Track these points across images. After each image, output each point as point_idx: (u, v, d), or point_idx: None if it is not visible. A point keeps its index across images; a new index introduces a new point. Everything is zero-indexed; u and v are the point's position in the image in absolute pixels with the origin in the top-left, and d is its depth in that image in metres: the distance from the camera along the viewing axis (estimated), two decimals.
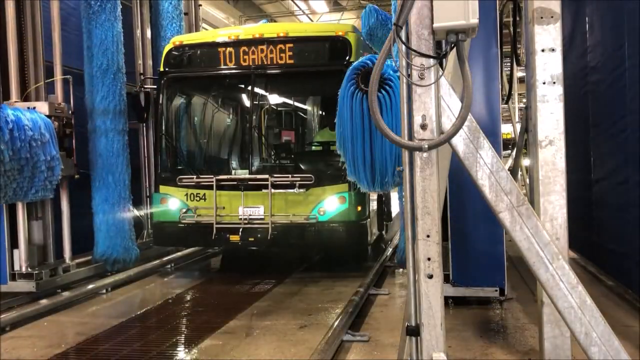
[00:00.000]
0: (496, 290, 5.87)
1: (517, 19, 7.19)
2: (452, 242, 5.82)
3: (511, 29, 7.13)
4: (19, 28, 7.06)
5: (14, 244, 6.84)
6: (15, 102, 6.89)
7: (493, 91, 5.87)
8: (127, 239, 8.29)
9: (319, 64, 7.83)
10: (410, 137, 3.42)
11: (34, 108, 6.81)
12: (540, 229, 3.33)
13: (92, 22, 8.03)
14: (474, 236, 5.82)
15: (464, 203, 5.68)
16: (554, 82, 3.70)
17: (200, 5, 11.85)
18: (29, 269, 6.82)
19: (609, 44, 6.32)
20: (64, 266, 7.31)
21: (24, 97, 7.07)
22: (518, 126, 11.66)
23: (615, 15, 6.05)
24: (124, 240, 8.23)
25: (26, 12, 7.17)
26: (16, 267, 6.82)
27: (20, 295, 6.77)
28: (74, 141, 7.53)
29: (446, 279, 5.75)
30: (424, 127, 3.34)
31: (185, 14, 10.54)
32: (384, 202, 9.37)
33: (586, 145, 7.08)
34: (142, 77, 9.44)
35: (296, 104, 10.05)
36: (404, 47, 3.33)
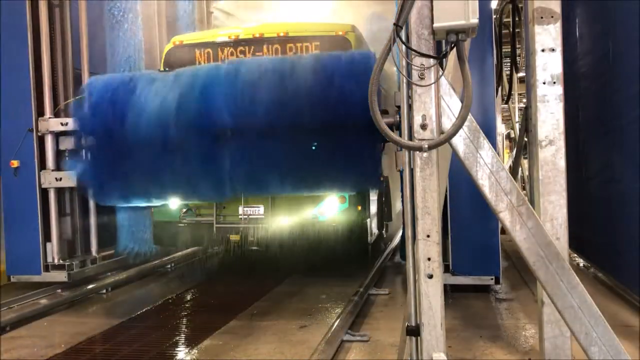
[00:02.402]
0: (492, 279, 6.34)
1: (517, 19, 7.33)
2: (451, 235, 6.24)
3: (510, 29, 7.20)
4: (51, 38, 7.50)
5: (47, 237, 7.42)
6: (50, 118, 7.33)
7: (488, 94, 6.20)
8: (147, 234, 8.49)
9: None
10: (410, 137, 3.42)
11: (67, 124, 7.22)
12: (541, 228, 3.33)
13: (115, 31, 8.45)
14: (471, 230, 6.23)
15: (462, 199, 6.01)
16: (554, 82, 3.70)
17: (212, 12, 12.22)
18: (61, 261, 7.41)
19: (596, 52, 6.70)
20: (91, 259, 7.86)
21: (55, 112, 7.50)
22: (518, 126, 11.67)
23: (602, 24, 6.44)
24: (144, 235, 8.42)
25: (56, 24, 7.61)
26: (49, 259, 7.42)
27: (53, 284, 7.36)
28: None
29: (446, 269, 6.20)
30: (424, 127, 3.34)
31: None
32: (384, 202, 9.36)
33: (576, 147, 7.38)
34: None
35: None
36: (404, 47, 3.33)
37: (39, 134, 7.35)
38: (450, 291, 6.26)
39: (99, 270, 7.96)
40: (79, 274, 7.54)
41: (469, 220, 6.21)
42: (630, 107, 5.59)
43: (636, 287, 5.72)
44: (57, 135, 7.40)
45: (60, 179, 7.34)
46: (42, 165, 7.38)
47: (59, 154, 7.46)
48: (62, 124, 7.30)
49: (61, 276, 7.34)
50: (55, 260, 7.40)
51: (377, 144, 5.67)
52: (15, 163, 7.33)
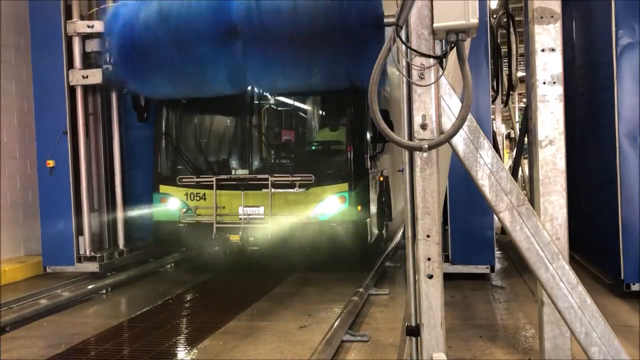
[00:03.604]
0: (487, 268, 6.98)
1: (513, 31, 7.61)
2: (451, 228, 6.88)
3: (509, 32, 7.35)
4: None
5: (79, 231, 8.11)
6: (77, 20, 8.05)
7: (483, 105, 6.50)
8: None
9: None
10: (410, 137, 3.41)
11: (93, 26, 7.99)
12: (540, 228, 3.33)
13: None
14: (469, 223, 6.86)
15: (461, 194, 6.43)
16: (554, 82, 3.70)
17: None
18: (92, 253, 8.12)
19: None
20: (118, 251, 8.53)
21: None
22: (518, 126, 11.66)
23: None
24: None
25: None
26: (81, 251, 8.12)
27: (85, 274, 8.07)
28: None
29: (445, 259, 6.84)
30: (424, 127, 3.34)
31: None
32: (384, 202, 9.36)
33: None
34: None
35: (296, 103, 10.04)
36: (404, 47, 3.32)
37: (67, 35, 7.99)
38: (448, 279, 6.47)
39: (126, 261, 8.56)
40: (109, 265, 8.20)
41: (467, 214, 6.79)
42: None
43: (605, 267, 6.62)
44: (84, 38, 8.08)
45: (87, 77, 8.00)
46: (70, 65, 8.05)
47: (85, 56, 8.14)
48: (88, 26, 7.98)
49: (93, 267, 8.03)
50: (87, 252, 8.09)
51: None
52: (51, 163, 8.02)
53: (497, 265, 7.43)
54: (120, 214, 8.52)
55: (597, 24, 6.52)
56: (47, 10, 8.02)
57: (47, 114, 8.12)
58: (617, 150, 6.00)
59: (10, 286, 7.81)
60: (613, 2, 5.92)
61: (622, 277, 6.00)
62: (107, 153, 8.73)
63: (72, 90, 8.08)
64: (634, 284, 5.95)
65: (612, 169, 6.09)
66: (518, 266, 7.80)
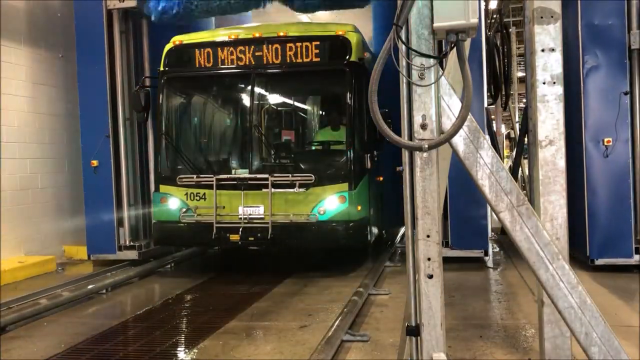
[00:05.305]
0: (482, 252, 8.05)
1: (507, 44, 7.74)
2: (450, 217, 7.86)
3: (507, 43, 7.32)
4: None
5: (119, 223, 8.92)
6: None
7: (479, 116, 7.20)
8: None
9: (319, 64, 7.81)
10: (410, 137, 3.41)
11: None
12: (540, 229, 3.33)
13: None
14: (466, 213, 7.80)
15: (460, 189, 7.01)
16: (554, 82, 3.70)
17: None
18: (132, 242, 8.94)
19: None
20: (153, 241, 8.98)
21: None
22: (518, 126, 11.69)
23: None
24: None
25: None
26: (121, 241, 8.93)
27: (126, 261, 8.85)
28: None
29: (445, 245, 7.85)
30: (424, 127, 3.34)
31: None
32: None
33: None
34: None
35: (296, 103, 10.05)
36: (404, 47, 3.32)
37: None
38: (447, 262, 6.87)
39: (159, 251, 9.25)
40: (146, 253, 8.99)
41: (464, 206, 7.70)
42: None
43: (575, 247, 7.06)
44: None
45: (123, 1, 8.62)
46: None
47: None
48: None
49: (132, 254, 8.86)
50: (127, 242, 8.91)
51: None
52: (95, 163, 8.80)
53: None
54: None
55: (570, 44, 7.39)
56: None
57: (91, 118, 8.88)
58: (584, 151, 7.32)
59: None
60: (580, 32, 7.19)
61: (588, 254, 7.34)
62: (142, 153, 9.33)
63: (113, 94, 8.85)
64: (597, 260, 7.33)
65: (580, 167, 7.35)
66: (518, 266, 7.84)
